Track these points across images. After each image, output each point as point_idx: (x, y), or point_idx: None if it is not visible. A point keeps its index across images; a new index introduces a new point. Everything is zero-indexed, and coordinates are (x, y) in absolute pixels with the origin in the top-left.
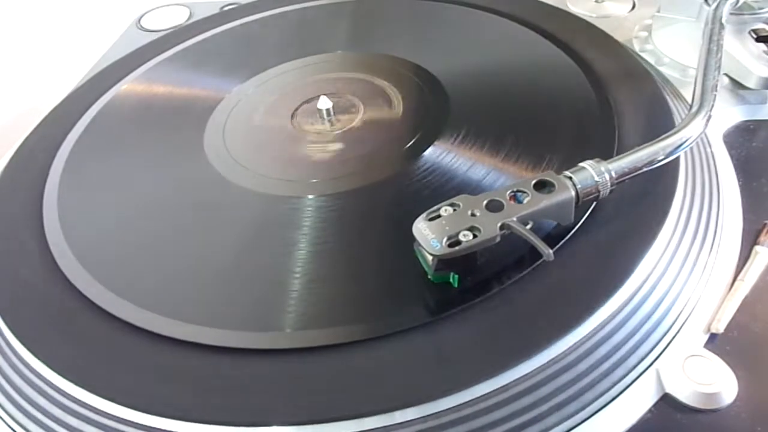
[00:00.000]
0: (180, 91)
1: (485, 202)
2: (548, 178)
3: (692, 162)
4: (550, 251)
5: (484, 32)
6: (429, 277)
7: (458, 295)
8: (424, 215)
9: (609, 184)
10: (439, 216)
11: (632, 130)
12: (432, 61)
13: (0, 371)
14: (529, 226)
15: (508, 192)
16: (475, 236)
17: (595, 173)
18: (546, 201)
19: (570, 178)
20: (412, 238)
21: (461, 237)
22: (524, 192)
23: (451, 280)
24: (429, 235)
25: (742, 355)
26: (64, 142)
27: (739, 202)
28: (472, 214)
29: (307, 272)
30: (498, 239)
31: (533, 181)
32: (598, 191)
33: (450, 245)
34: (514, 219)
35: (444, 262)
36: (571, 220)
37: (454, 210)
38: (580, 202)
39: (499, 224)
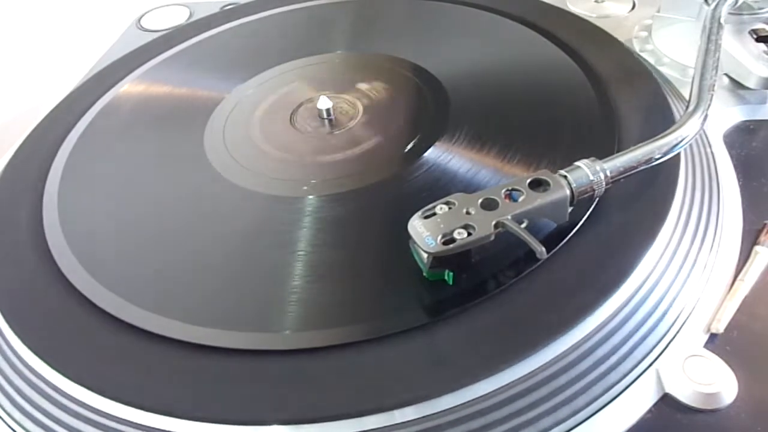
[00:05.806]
0: (180, 91)
1: (480, 201)
2: (543, 177)
3: (692, 162)
4: (543, 249)
5: (484, 32)
6: (424, 274)
7: (457, 295)
8: (419, 213)
9: (604, 183)
10: (434, 214)
11: (632, 130)
12: (432, 61)
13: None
14: (524, 225)
15: (504, 190)
16: (469, 234)
17: (590, 172)
18: (541, 200)
19: (565, 176)
20: (409, 237)
21: (456, 235)
22: (519, 190)
23: (446, 277)
24: (424, 233)
25: (742, 355)
26: (64, 142)
27: (739, 202)
28: (467, 212)
29: (306, 273)
30: (492, 237)
31: (528, 180)
32: (593, 190)
33: (445, 243)
34: (509, 217)
35: (439, 260)
36: (566, 219)
37: (450, 208)
38: (575, 201)
39: (493, 222)
